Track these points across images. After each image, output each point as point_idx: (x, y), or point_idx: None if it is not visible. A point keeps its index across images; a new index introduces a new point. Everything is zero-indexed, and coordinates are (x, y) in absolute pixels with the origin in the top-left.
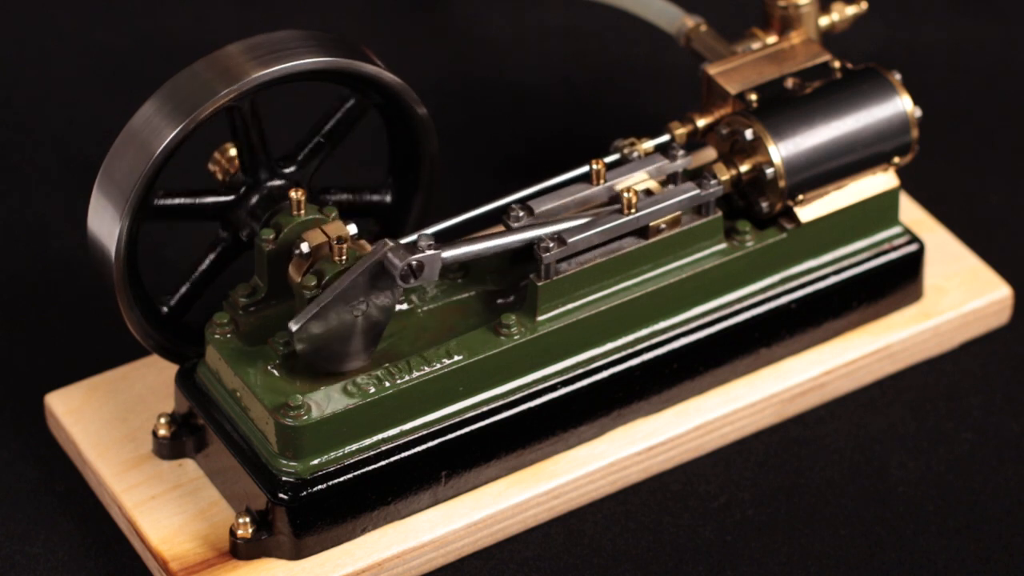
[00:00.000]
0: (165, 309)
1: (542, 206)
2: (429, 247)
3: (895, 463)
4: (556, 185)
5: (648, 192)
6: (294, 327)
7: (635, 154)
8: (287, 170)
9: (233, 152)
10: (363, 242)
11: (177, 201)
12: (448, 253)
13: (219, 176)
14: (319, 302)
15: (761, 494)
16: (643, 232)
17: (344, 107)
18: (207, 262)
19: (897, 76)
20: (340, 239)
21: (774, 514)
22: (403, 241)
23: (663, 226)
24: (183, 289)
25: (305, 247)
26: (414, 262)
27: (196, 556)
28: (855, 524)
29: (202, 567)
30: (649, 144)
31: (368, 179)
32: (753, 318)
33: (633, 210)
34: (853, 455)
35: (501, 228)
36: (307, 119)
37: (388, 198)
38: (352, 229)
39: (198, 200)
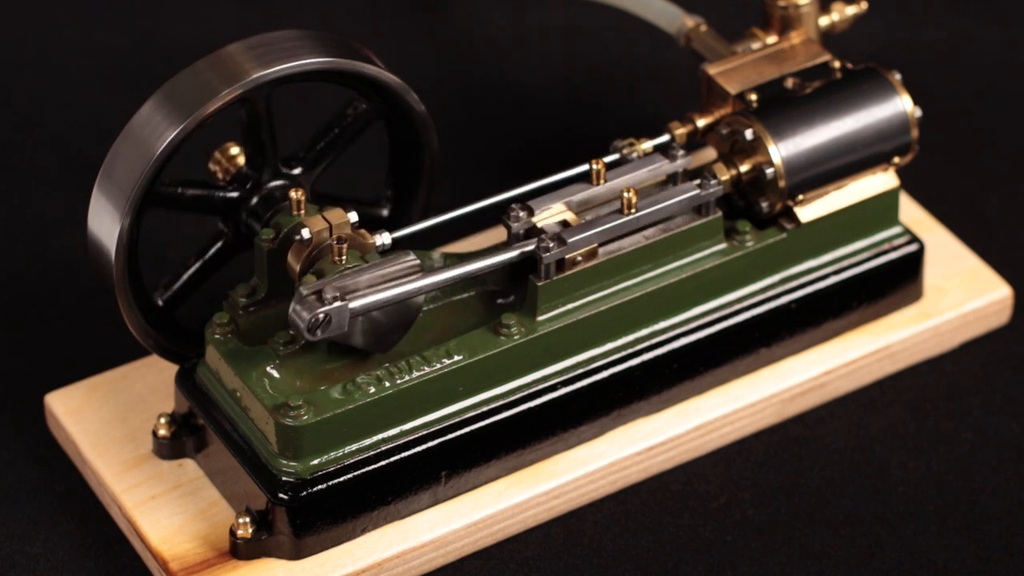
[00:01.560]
0: (160, 301)
1: (542, 206)
2: (335, 299)
3: (895, 463)
4: (556, 184)
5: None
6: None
7: (634, 154)
8: (294, 171)
9: (234, 151)
10: (363, 231)
11: (183, 191)
12: (356, 303)
13: (220, 176)
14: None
15: (761, 494)
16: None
17: (353, 113)
18: (205, 256)
19: (897, 76)
20: (340, 239)
21: (774, 514)
22: (307, 291)
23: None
24: (179, 282)
25: (306, 233)
26: (321, 315)
27: (196, 556)
28: (855, 524)
29: (202, 567)
30: (648, 144)
31: (368, 179)
32: (753, 318)
33: (633, 210)
34: (853, 455)
35: (415, 270)
36: (307, 119)
37: (385, 212)
38: (352, 217)
39: (204, 192)
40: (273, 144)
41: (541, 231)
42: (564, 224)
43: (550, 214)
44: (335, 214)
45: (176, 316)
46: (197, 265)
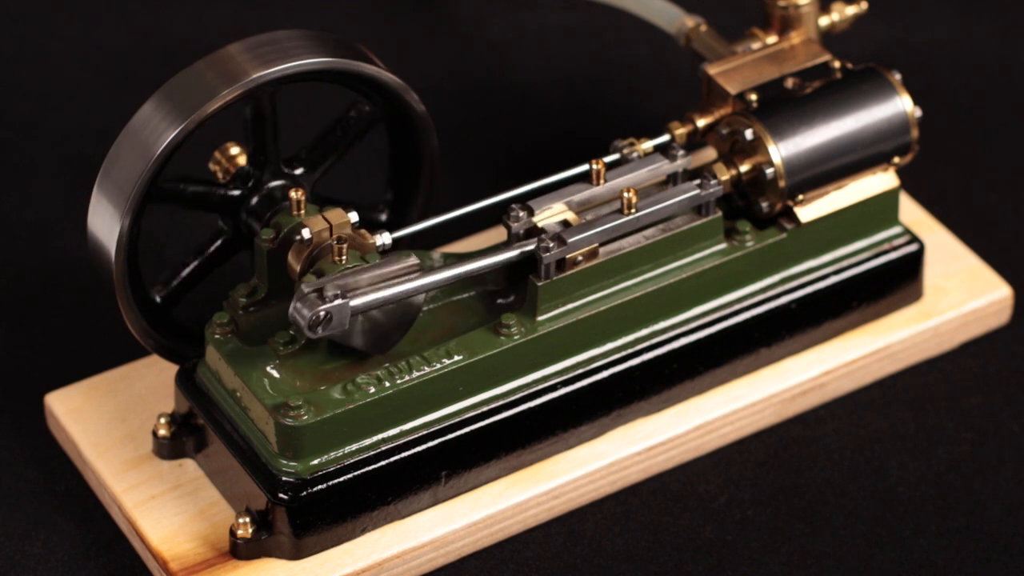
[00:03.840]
0: (158, 298)
1: (542, 206)
2: (336, 297)
3: (895, 463)
4: (556, 184)
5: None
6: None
7: (634, 154)
8: (296, 172)
9: (234, 151)
10: (364, 231)
11: (185, 187)
12: (357, 301)
13: (219, 175)
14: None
15: (761, 494)
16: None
17: (356, 115)
18: (204, 254)
19: (897, 76)
20: (340, 239)
21: (774, 514)
22: (308, 288)
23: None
24: (178, 279)
25: (306, 233)
26: (322, 312)
27: (196, 556)
28: (855, 524)
29: (202, 567)
30: (648, 144)
31: (369, 181)
32: (753, 318)
33: (633, 210)
34: (853, 455)
35: (415, 271)
36: (307, 120)
37: (384, 216)
38: (353, 217)
39: (206, 189)
40: (275, 143)
41: (541, 231)
42: (565, 224)
43: (551, 214)
44: (335, 214)
45: (174, 314)
46: (196, 263)
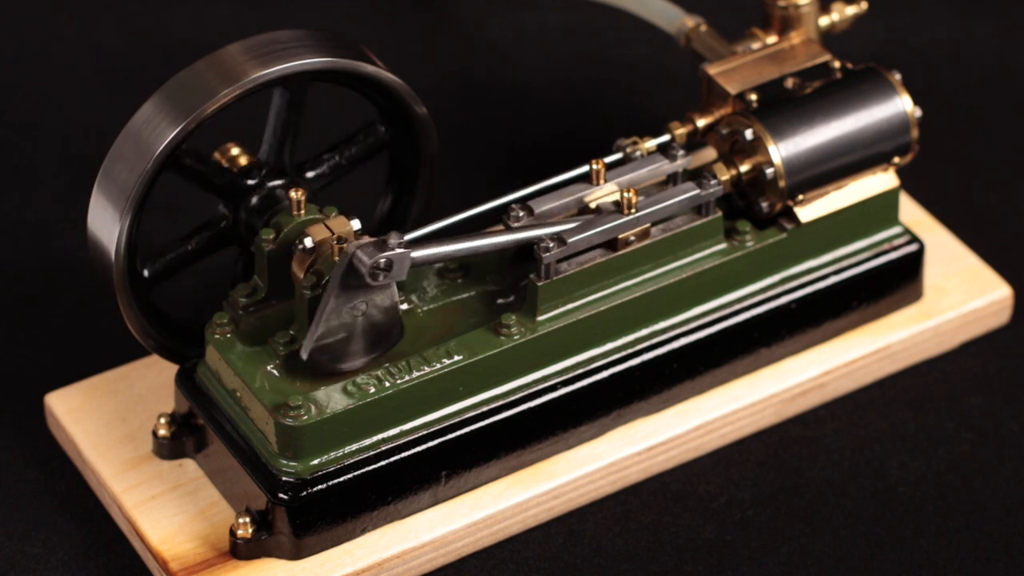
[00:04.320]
0: (146, 272)
1: (542, 206)
2: (399, 245)
3: (895, 463)
4: (556, 185)
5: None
6: (304, 355)
7: (637, 153)
8: (308, 175)
9: (234, 152)
10: (366, 237)
11: (202, 166)
12: (419, 253)
13: None
14: (317, 321)
15: (761, 494)
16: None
17: (371, 135)
18: (200, 236)
19: (897, 76)
20: (340, 239)
21: (774, 514)
22: (369, 240)
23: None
24: (167, 256)
25: (308, 242)
26: (382, 260)
27: (196, 556)
28: (855, 524)
29: (202, 567)
30: (652, 143)
31: (369, 180)
32: (753, 318)
33: (633, 210)
34: (853, 455)
35: (494, 228)
36: (308, 119)
37: (385, 208)
38: (355, 224)
39: (223, 173)
40: (295, 137)
41: (599, 208)
42: (617, 204)
43: (603, 194)
44: (338, 222)
45: (156, 292)
46: (191, 244)
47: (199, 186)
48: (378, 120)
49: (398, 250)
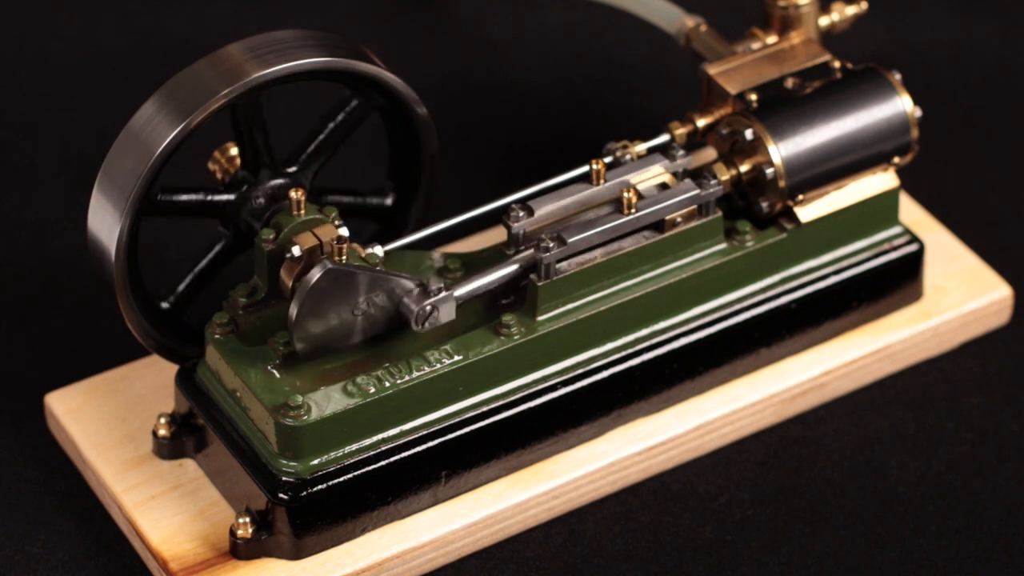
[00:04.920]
0: (165, 305)
1: (542, 206)
2: (439, 290)
3: (895, 463)
4: (556, 185)
5: (664, 186)
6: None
7: (627, 157)
8: (289, 170)
9: (233, 151)
10: (355, 245)
11: (179, 197)
12: (460, 291)
13: (219, 175)
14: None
15: (761, 494)
16: (659, 226)
17: (346, 109)
18: (207, 259)
19: (897, 76)
20: (340, 239)
21: (774, 514)
22: (412, 284)
23: (679, 220)
24: (183, 285)
25: (296, 250)
26: (428, 307)
27: (196, 556)
28: (855, 524)
29: (202, 567)
30: (642, 147)
31: (369, 180)
32: (753, 318)
33: (633, 210)
34: (853, 455)
35: (503, 251)
36: (307, 119)
37: (388, 201)
38: (343, 232)
39: (200, 197)
40: (266, 144)
41: (637, 191)
42: (664, 186)
43: (650, 175)
44: (325, 230)
45: (184, 319)
46: (200, 268)
47: (187, 216)
48: (350, 93)
49: (442, 295)
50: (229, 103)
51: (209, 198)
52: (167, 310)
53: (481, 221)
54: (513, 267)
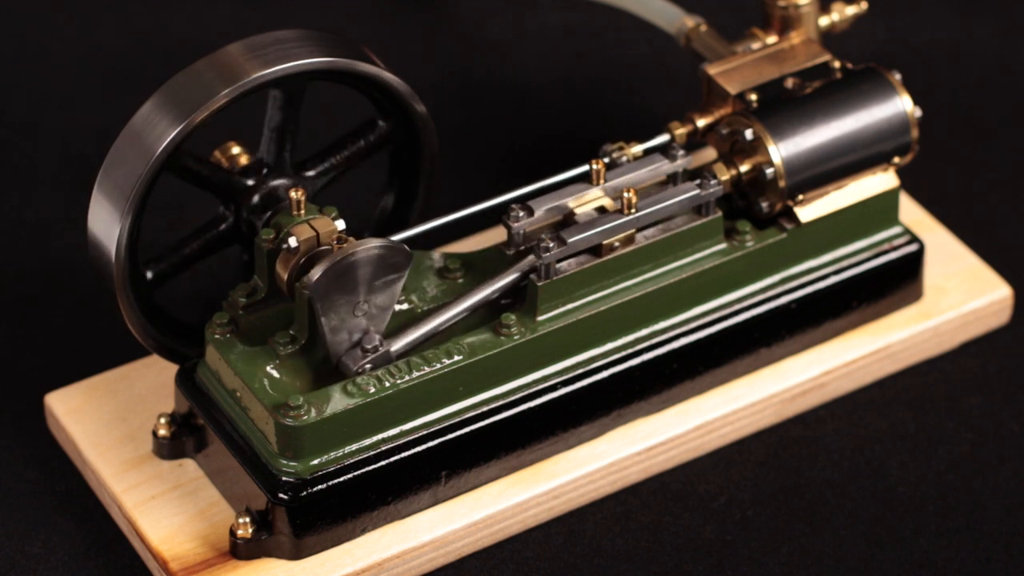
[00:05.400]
0: (149, 275)
1: (542, 206)
2: (376, 348)
3: (895, 463)
4: (556, 185)
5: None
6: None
7: (624, 158)
8: (308, 173)
9: (235, 151)
10: (352, 239)
11: (201, 166)
12: (396, 346)
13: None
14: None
15: (761, 494)
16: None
17: (373, 131)
18: (203, 237)
19: (897, 76)
20: (340, 239)
21: (774, 514)
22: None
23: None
24: (171, 258)
25: (293, 242)
26: (368, 365)
27: (196, 556)
28: (855, 524)
29: (202, 567)
30: (638, 148)
31: (369, 180)
32: (753, 318)
33: (633, 210)
34: (853, 455)
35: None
36: (309, 119)
37: (387, 208)
38: (340, 225)
39: (223, 171)
40: (294, 140)
41: (575, 217)
42: (602, 210)
43: (586, 200)
44: (322, 222)
45: (158, 293)
46: (193, 245)
47: (199, 186)
48: (378, 116)
49: (379, 352)
50: (267, 84)
51: (231, 175)
52: (150, 280)
53: (481, 220)
54: (457, 309)
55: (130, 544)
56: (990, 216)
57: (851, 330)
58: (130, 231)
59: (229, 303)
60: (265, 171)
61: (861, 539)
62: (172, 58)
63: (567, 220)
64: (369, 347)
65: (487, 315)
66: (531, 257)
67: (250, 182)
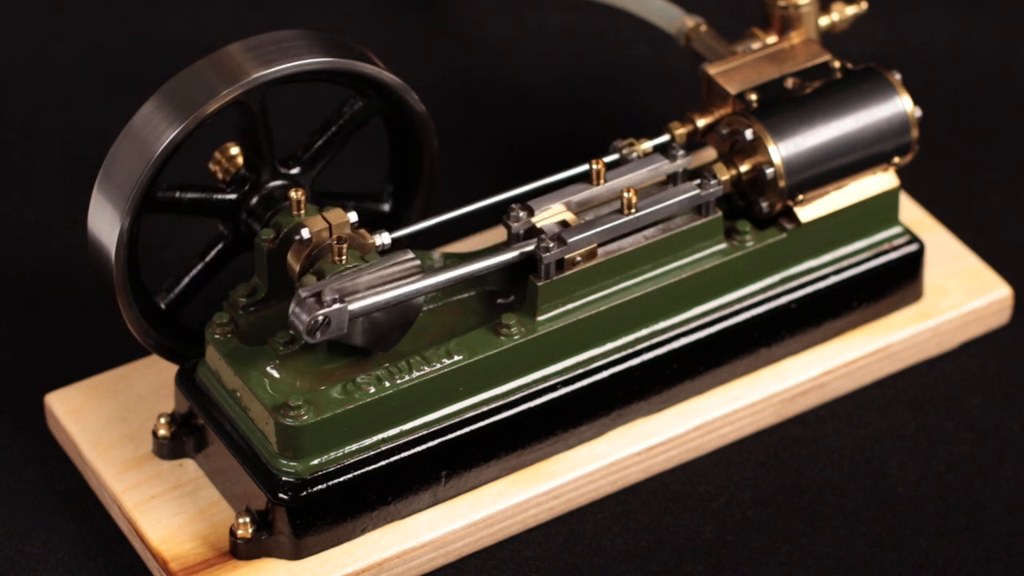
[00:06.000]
0: (163, 305)
1: (542, 206)
2: (334, 301)
3: (895, 463)
4: (556, 184)
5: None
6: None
7: (634, 155)
8: (292, 171)
9: (234, 151)
10: (363, 231)
11: (181, 195)
12: (355, 305)
13: (220, 175)
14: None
15: (761, 494)
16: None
17: (348, 111)
18: (206, 259)
19: (897, 76)
20: (340, 239)
21: (774, 514)
22: (306, 293)
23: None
24: (181, 285)
25: (305, 233)
26: (320, 317)
27: (196, 556)
28: (855, 524)
29: (202, 567)
30: (648, 145)
31: (369, 180)
32: (753, 318)
33: (633, 210)
34: (853, 455)
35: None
36: (307, 119)
37: (387, 207)
38: (352, 217)
39: (202, 195)
40: (270, 145)
41: (541, 231)
42: (564, 224)
43: (550, 214)
44: (335, 214)
45: (180, 318)
46: (199, 268)
47: (187, 214)
48: (354, 96)
49: (335, 306)
50: (235, 101)
51: (211, 196)
52: (165, 310)
53: (481, 220)
54: (404, 289)
55: (130, 544)
56: (990, 216)
57: (851, 330)
58: (130, 231)
59: (229, 303)
60: (248, 185)
61: (861, 539)
62: (172, 58)
63: (566, 220)
64: (328, 299)
65: (487, 315)
66: (527, 243)
67: (233, 196)
